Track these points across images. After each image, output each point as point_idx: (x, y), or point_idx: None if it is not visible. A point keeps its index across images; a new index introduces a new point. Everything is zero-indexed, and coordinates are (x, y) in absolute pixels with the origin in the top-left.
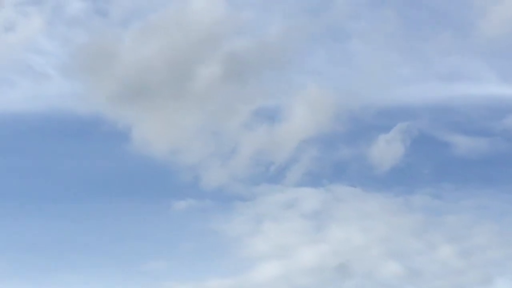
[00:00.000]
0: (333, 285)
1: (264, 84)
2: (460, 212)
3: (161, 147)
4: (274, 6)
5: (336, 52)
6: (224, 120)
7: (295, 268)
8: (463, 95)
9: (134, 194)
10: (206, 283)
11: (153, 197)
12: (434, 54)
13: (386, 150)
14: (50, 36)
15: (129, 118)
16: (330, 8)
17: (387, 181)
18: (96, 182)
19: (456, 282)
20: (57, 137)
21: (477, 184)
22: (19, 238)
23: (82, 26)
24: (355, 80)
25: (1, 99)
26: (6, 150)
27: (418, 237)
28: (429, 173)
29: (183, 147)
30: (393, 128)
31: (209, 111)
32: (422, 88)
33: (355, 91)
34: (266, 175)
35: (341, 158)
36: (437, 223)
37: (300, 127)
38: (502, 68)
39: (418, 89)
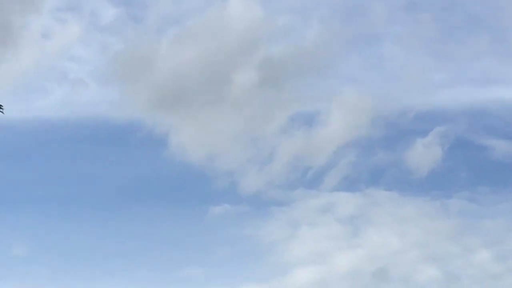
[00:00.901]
0: None
1: (301, 90)
2: (497, 216)
3: (198, 153)
4: (311, 11)
5: (372, 57)
6: (261, 125)
7: (332, 273)
8: (499, 99)
9: (171, 200)
10: None
11: (189, 203)
12: (469, 58)
13: (423, 154)
14: (86, 43)
15: (166, 125)
16: (366, 13)
17: (424, 185)
18: (132, 189)
19: (493, 286)
20: (93, 144)
21: None
22: (54, 244)
23: (118, 33)
24: (392, 85)
25: (36, 105)
26: (42, 157)
27: (455, 241)
28: (466, 177)
29: (220, 152)
30: (430, 132)
31: (246, 116)
32: (458, 92)
33: (391, 96)
34: (303, 180)
35: (378, 163)
36: (474, 227)
37: (337, 132)
38: None
39: (453, 93)
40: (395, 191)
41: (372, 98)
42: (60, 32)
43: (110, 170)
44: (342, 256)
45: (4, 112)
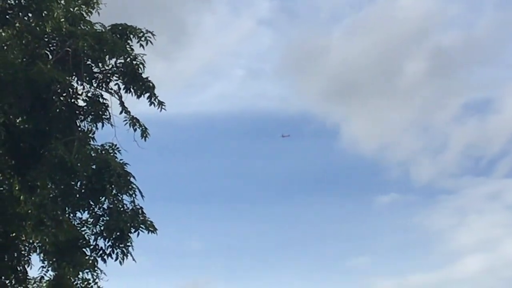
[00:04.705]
0: None
1: (472, 78)
2: None
3: (369, 143)
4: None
5: None
6: (433, 115)
7: (501, 261)
8: None
9: (340, 191)
10: (409, 278)
11: (357, 193)
12: None
13: None
14: (254, 38)
15: (337, 116)
16: None
17: None
18: (302, 180)
19: None
20: (264, 137)
21: None
22: (226, 238)
23: (286, 26)
24: None
25: (204, 101)
26: (213, 151)
27: None
28: None
29: (392, 143)
30: None
31: (418, 106)
32: None
33: None
34: (475, 168)
35: None
36: None
37: (510, 120)
38: None
39: None
40: None
41: None
42: (227, 28)
43: (280, 162)
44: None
45: (166, 109)
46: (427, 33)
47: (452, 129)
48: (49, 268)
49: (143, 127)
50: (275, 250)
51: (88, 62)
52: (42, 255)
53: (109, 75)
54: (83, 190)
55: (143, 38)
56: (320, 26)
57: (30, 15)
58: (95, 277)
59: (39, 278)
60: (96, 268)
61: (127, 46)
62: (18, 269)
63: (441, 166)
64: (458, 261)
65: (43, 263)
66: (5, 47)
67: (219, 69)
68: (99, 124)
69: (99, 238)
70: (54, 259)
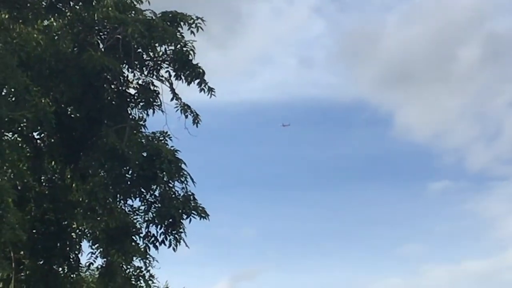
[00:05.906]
0: None
1: None
2: None
3: (423, 130)
4: None
5: None
6: (488, 101)
7: None
8: None
9: (392, 178)
10: (462, 265)
11: (410, 180)
12: None
13: None
14: (307, 26)
15: (391, 103)
16: None
17: None
18: (354, 168)
19: None
20: (314, 125)
21: None
22: (276, 227)
23: (336, 14)
24: None
25: (248, 89)
26: (266, 139)
27: None
28: None
29: (446, 130)
30: None
31: (472, 92)
32: None
33: None
34: None
35: None
36: None
37: None
38: None
39: None
40: None
41: None
42: (281, 16)
43: (333, 149)
44: None
45: (215, 95)
46: (482, 19)
47: (507, 116)
48: (98, 255)
49: (194, 113)
50: (328, 236)
51: (139, 50)
52: (92, 242)
53: (159, 62)
54: (134, 178)
55: (193, 25)
56: (372, 14)
57: (80, 4)
58: (147, 265)
59: (88, 264)
60: (148, 256)
61: (178, 33)
62: (71, 257)
63: (495, 153)
64: (511, 248)
65: (92, 249)
66: (56, 37)
67: (272, 57)
68: (150, 111)
69: (151, 225)
70: (104, 246)
